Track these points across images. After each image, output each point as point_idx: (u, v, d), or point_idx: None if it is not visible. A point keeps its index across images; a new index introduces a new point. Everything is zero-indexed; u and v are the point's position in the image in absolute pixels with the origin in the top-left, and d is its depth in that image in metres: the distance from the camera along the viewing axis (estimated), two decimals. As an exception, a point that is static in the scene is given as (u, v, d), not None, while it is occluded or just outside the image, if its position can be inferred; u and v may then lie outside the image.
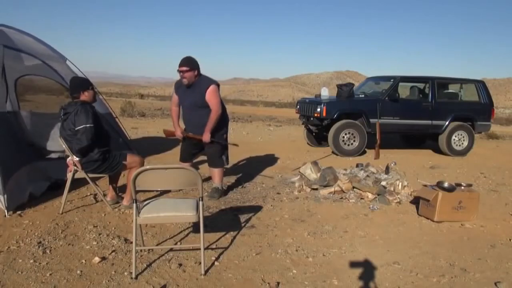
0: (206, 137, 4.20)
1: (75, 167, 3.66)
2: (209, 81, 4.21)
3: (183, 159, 4.59)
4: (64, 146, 3.65)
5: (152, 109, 16.99)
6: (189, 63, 4.12)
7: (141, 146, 6.77)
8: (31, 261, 2.73)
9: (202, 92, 4.16)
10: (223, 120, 4.39)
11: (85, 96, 3.69)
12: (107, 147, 3.74)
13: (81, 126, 3.49)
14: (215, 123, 4.20)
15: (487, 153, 9.14)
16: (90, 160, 3.64)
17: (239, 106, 27.06)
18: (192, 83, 4.18)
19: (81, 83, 3.79)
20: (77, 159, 3.62)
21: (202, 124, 4.22)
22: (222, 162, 4.49)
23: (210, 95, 4.16)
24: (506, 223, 4.06)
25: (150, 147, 7.06)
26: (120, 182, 4.20)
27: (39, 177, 4.16)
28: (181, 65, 4.12)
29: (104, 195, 3.99)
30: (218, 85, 4.26)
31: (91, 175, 3.74)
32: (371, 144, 7.76)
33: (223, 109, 4.36)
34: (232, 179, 5.31)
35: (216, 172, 4.49)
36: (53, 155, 4.49)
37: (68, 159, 3.73)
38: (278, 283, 2.60)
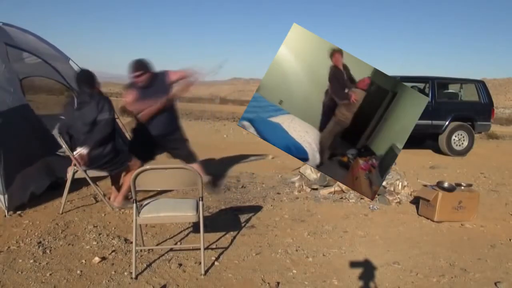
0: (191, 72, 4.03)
1: (74, 167, 3.66)
2: (162, 72, 4.05)
3: (146, 157, 4.24)
4: (63, 145, 3.65)
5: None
6: (143, 67, 3.90)
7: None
8: (31, 261, 2.73)
9: (166, 85, 3.99)
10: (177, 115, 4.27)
11: (97, 89, 3.69)
12: (114, 142, 3.76)
13: (106, 117, 3.50)
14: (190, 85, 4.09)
15: (487, 153, 9.14)
16: (100, 154, 3.61)
17: (239, 106, 27.07)
18: (149, 84, 3.96)
19: (94, 78, 3.71)
20: (86, 151, 3.55)
21: (170, 119, 4.10)
22: (196, 155, 4.37)
23: (173, 74, 4.02)
24: (506, 223, 4.06)
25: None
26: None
27: (44, 174, 4.14)
28: (134, 70, 3.87)
29: (107, 196, 4.00)
30: None
31: (91, 175, 3.74)
32: (371, 144, 7.74)
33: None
34: (232, 179, 5.31)
35: (198, 166, 4.26)
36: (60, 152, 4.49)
37: (75, 152, 3.60)
38: (278, 283, 2.60)
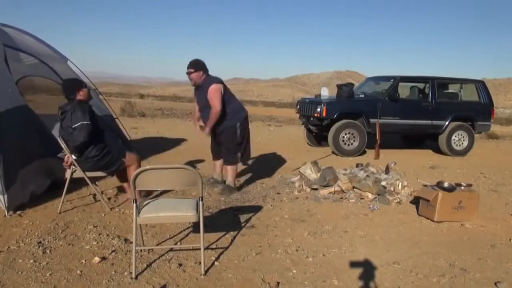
0: (205, 129, 4.45)
1: (73, 167, 3.67)
2: (212, 81, 4.38)
3: (213, 157, 4.87)
4: (63, 146, 3.65)
5: (152, 109, 16.98)
6: (194, 65, 4.37)
7: (141, 146, 6.77)
8: (31, 261, 2.73)
9: (204, 94, 4.38)
10: (232, 116, 4.49)
11: (80, 95, 3.75)
12: (103, 144, 3.75)
13: (78, 124, 3.53)
14: (214, 120, 4.38)
15: (487, 153, 9.14)
16: (87, 157, 3.66)
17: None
18: (200, 84, 4.42)
19: (74, 84, 3.85)
20: (74, 157, 3.63)
21: (227, 116, 4.45)
22: (235, 159, 4.59)
23: (210, 95, 4.34)
24: (506, 223, 4.06)
25: (150, 147, 7.06)
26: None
27: (44, 173, 4.13)
28: (187, 67, 4.38)
29: (107, 196, 4.00)
30: (221, 83, 4.41)
31: (90, 175, 3.74)
32: (371, 144, 7.76)
33: (233, 104, 4.53)
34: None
35: (228, 169, 4.65)
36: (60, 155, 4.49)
37: (66, 157, 3.73)
38: (278, 283, 2.60)
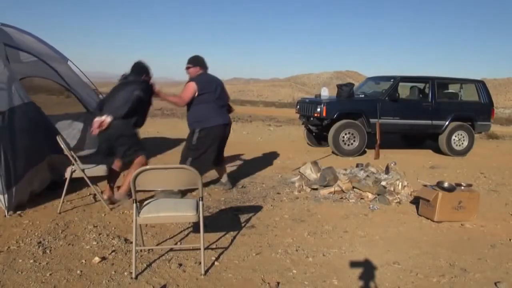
0: (159, 93, 4.28)
1: (73, 167, 3.67)
2: (200, 77, 4.39)
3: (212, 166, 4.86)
4: (62, 146, 3.65)
5: (152, 109, 16.92)
6: (192, 61, 4.46)
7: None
8: (31, 261, 2.73)
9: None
10: (197, 120, 4.35)
11: (147, 77, 4.08)
12: (137, 122, 4.00)
13: (137, 93, 3.80)
14: (170, 100, 4.46)
15: (487, 153, 9.14)
16: (120, 126, 3.77)
17: (239, 106, 26.97)
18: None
19: (143, 68, 4.11)
20: (109, 119, 3.69)
21: (191, 118, 4.44)
22: (184, 162, 4.27)
23: (184, 88, 4.39)
24: (506, 223, 4.06)
25: (150, 147, 7.03)
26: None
27: (46, 172, 4.11)
28: (187, 62, 4.48)
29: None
30: (198, 81, 4.33)
31: (89, 175, 3.75)
32: (371, 144, 7.76)
33: (208, 110, 4.32)
34: (232, 179, 5.31)
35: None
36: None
37: (96, 119, 3.75)
38: (278, 283, 2.60)
